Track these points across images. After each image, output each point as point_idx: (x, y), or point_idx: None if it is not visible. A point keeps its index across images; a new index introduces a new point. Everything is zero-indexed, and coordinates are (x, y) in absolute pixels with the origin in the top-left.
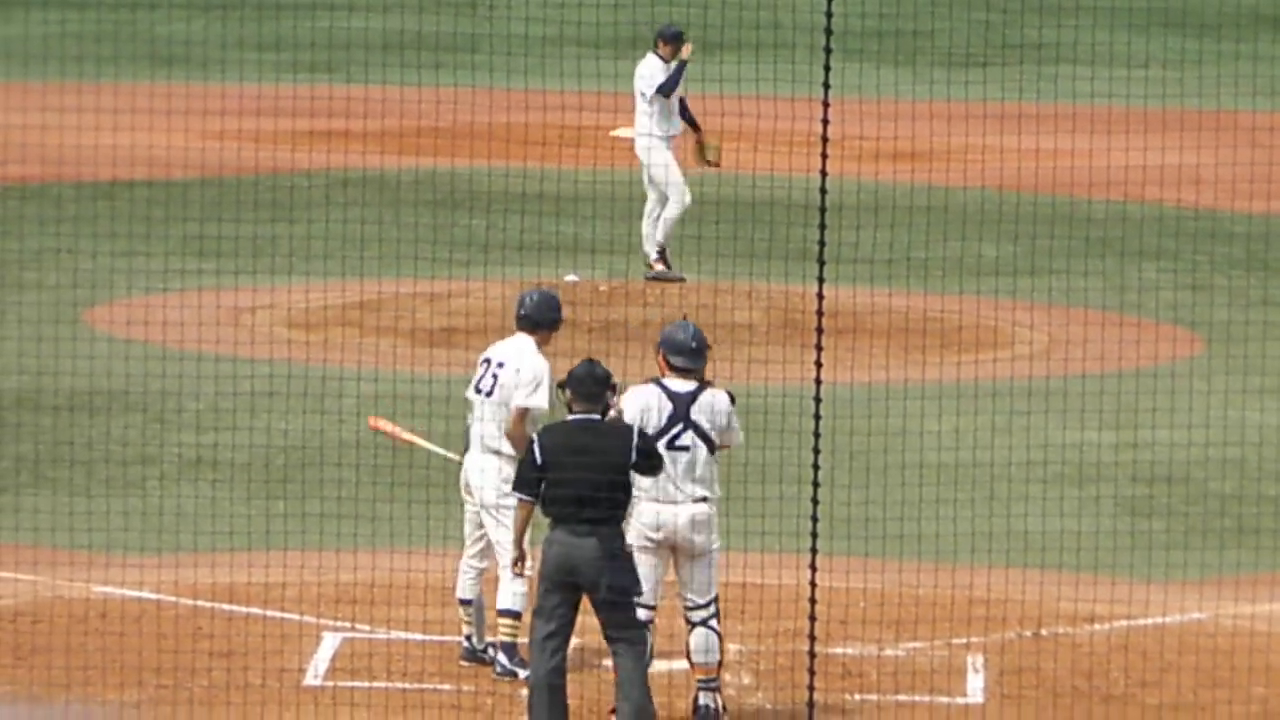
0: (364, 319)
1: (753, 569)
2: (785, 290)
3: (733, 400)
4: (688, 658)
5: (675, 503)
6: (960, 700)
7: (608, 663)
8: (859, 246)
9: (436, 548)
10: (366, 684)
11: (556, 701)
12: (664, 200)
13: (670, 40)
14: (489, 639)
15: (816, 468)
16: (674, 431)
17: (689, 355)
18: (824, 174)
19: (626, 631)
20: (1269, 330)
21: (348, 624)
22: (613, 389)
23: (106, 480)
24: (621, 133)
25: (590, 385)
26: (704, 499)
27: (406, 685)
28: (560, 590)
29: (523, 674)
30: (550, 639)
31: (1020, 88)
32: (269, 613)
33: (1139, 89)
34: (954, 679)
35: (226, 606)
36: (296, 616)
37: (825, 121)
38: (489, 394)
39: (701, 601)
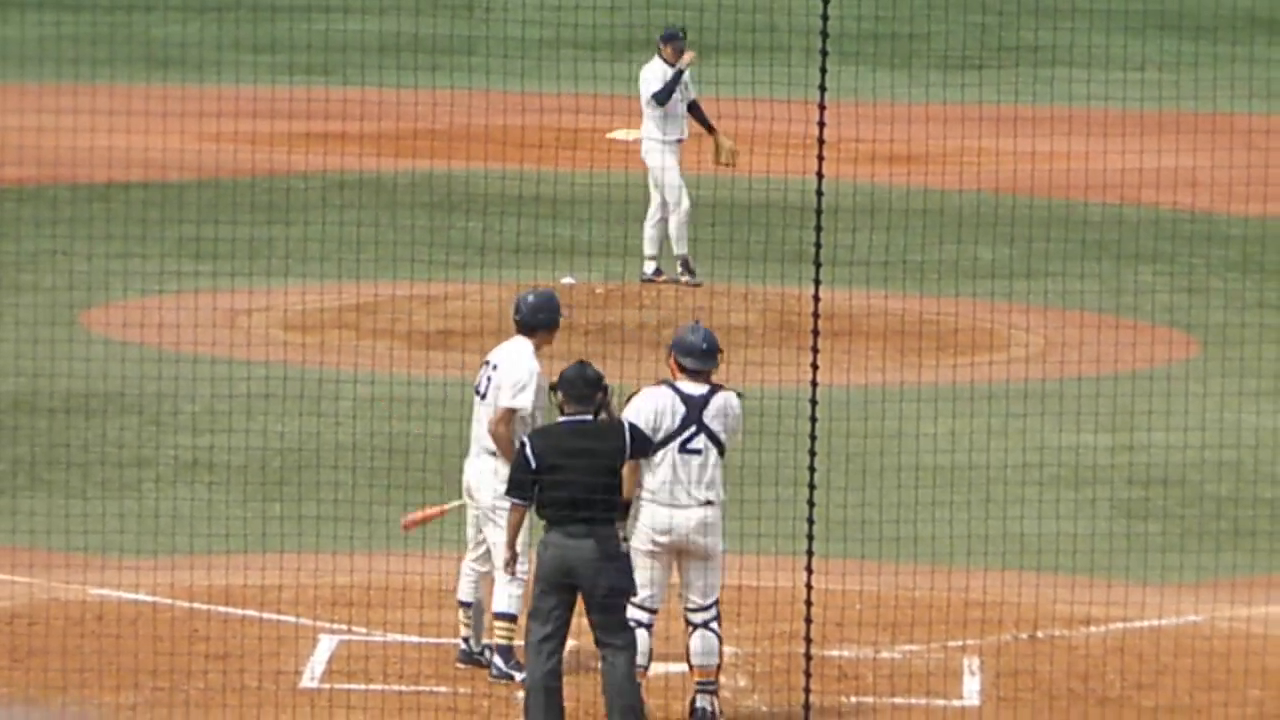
0: (360, 321)
1: (749, 571)
2: (781, 292)
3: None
4: (687, 660)
5: (684, 506)
6: (956, 703)
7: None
8: (855, 249)
9: (433, 550)
10: (363, 686)
11: (553, 704)
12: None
13: (669, 41)
14: (485, 641)
15: (812, 470)
16: (687, 434)
17: (700, 357)
18: (820, 176)
19: (618, 635)
20: (1265, 333)
21: (344, 626)
22: (604, 390)
23: (103, 482)
24: (619, 135)
25: (581, 387)
26: (711, 502)
27: (403, 688)
28: (557, 592)
29: (518, 677)
30: (546, 641)
31: (1016, 90)
32: (265, 615)
33: (1135, 91)
34: (950, 681)
35: (223, 609)
36: (293, 619)
37: (821, 124)
38: (483, 396)
39: (704, 603)
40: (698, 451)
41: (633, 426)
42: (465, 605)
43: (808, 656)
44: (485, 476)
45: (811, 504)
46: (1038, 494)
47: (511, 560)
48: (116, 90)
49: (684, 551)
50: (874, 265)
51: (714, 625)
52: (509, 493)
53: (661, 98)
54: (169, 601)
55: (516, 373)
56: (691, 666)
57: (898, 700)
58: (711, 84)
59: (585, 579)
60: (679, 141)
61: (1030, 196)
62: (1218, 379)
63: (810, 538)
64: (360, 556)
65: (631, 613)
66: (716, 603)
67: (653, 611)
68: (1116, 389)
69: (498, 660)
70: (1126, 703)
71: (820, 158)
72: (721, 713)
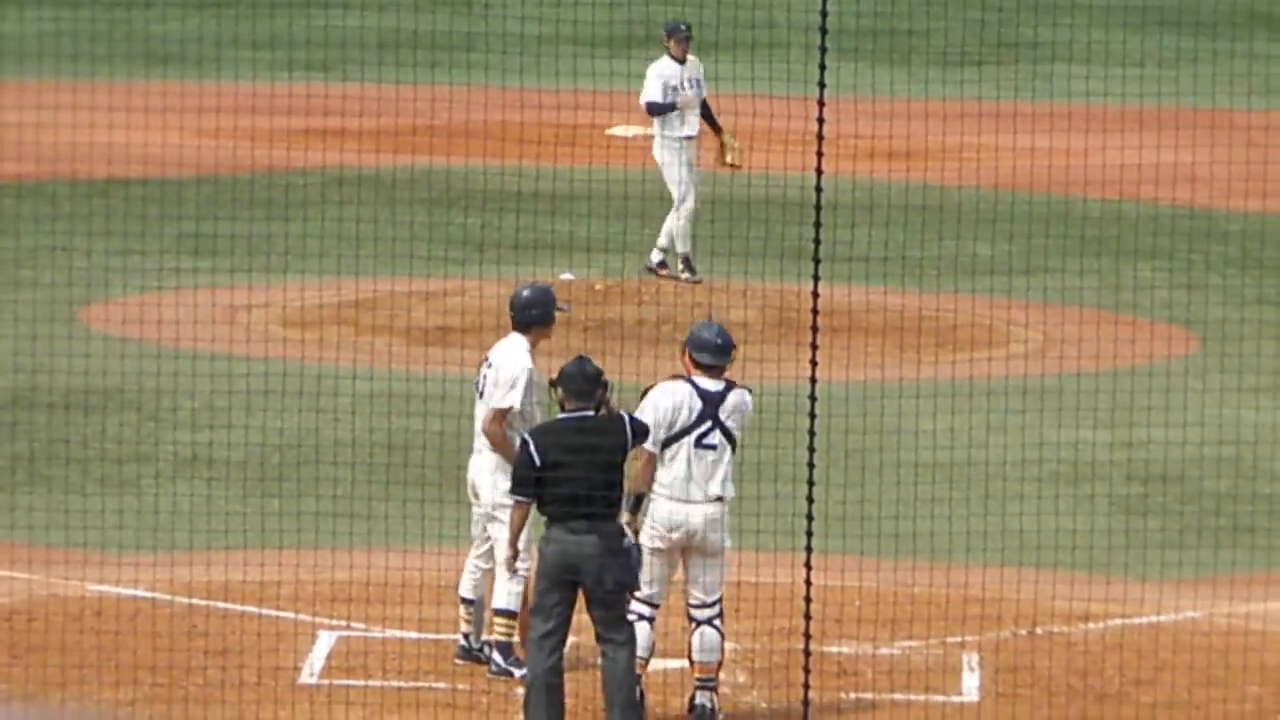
0: (359, 317)
1: (748, 567)
2: (780, 289)
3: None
4: (688, 656)
5: (695, 501)
6: (955, 699)
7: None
8: (854, 245)
9: (432, 546)
10: (362, 682)
11: (554, 700)
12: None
13: (670, 35)
14: (484, 638)
15: (812, 466)
16: (703, 429)
17: (715, 353)
18: (819, 173)
19: (619, 631)
20: (1263, 329)
21: (343, 622)
22: (604, 386)
23: (102, 478)
24: (618, 131)
25: (581, 383)
26: (720, 498)
27: (402, 683)
28: (559, 589)
29: (518, 673)
30: (548, 637)
31: (1015, 87)
32: (264, 611)
33: (1134, 88)
34: (949, 677)
35: (222, 605)
36: (292, 615)
37: (820, 120)
38: (482, 394)
39: (708, 600)
40: (713, 447)
41: (632, 418)
42: (467, 602)
43: (807, 653)
44: (483, 473)
45: (811, 500)
46: (1037, 490)
47: (513, 558)
48: (116, 86)
49: (690, 548)
50: (873, 261)
51: (716, 622)
52: (513, 490)
53: (654, 110)
54: (168, 597)
55: (507, 372)
56: (692, 663)
57: (897, 696)
58: (711, 80)
59: (589, 575)
60: (687, 139)
61: (1029, 193)
62: (1217, 375)
63: (809, 534)
64: (359, 552)
65: (634, 606)
66: (719, 600)
67: (655, 606)
68: (1115, 385)
69: (497, 656)
70: (1125, 699)
71: (819, 154)
72: (721, 709)
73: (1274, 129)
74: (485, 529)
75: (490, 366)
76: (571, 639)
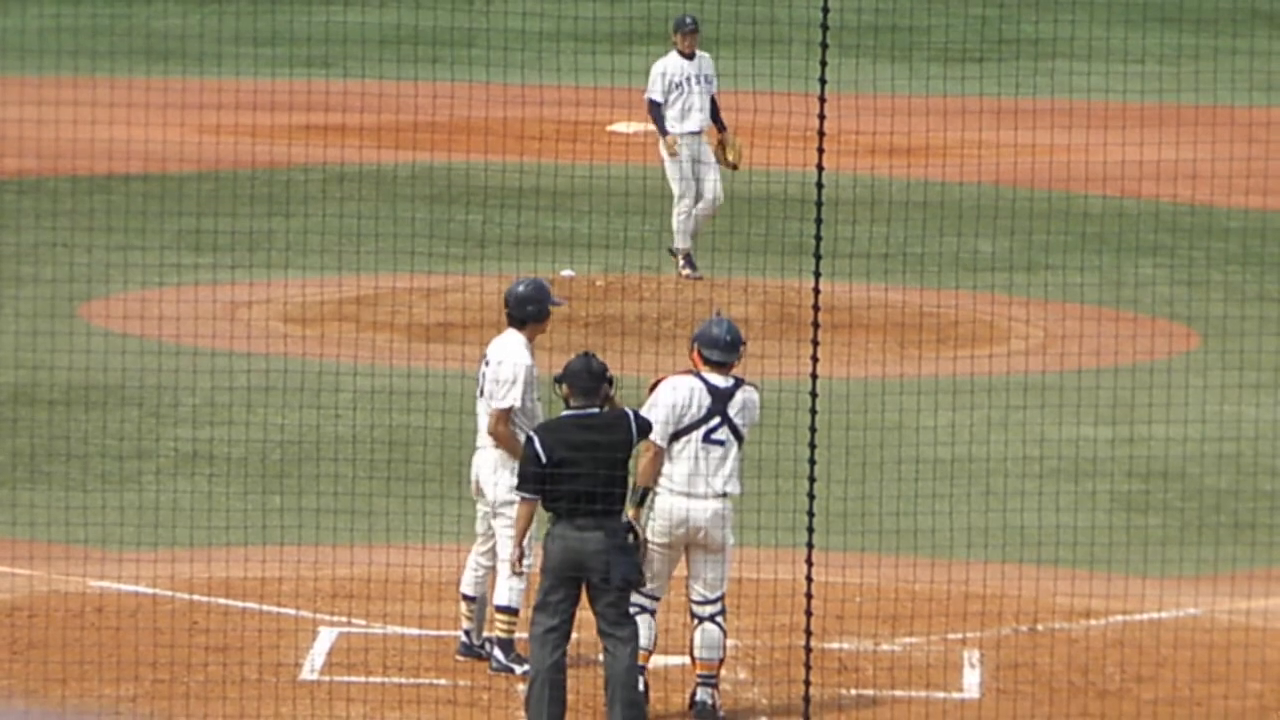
0: (360, 314)
1: (749, 564)
2: (782, 285)
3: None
4: (690, 652)
5: (702, 497)
6: (956, 695)
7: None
8: (855, 241)
9: (432, 542)
10: (363, 678)
11: (556, 696)
12: (697, 197)
13: (676, 29)
14: (485, 634)
15: (813, 462)
16: (711, 425)
17: (725, 349)
18: (820, 169)
19: (623, 628)
20: (1264, 325)
21: (344, 618)
22: (609, 382)
23: (103, 475)
24: (619, 127)
25: (586, 380)
26: (725, 494)
27: (403, 680)
28: (565, 585)
29: (519, 670)
30: (552, 633)
31: (1017, 83)
32: (265, 607)
33: (1135, 84)
34: (950, 674)
35: (223, 601)
36: (293, 611)
37: (822, 116)
38: (482, 392)
39: (712, 597)
40: (720, 443)
41: (636, 414)
42: (468, 599)
43: (808, 649)
44: (484, 469)
45: (811, 496)
46: (1037, 487)
47: (519, 558)
48: (116, 82)
49: (693, 544)
50: (874, 258)
51: (719, 619)
52: (519, 487)
53: (650, 110)
54: (169, 594)
55: (506, 370)
56: (694, 659)
57: (898, 693)
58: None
59: (596, 571)
60: (693, 134)
61: (1030, 189)
62: (1217, 372)
63: (810, 530)
64: (360, 549)
65: (635, 599)
66: (722, 597)
67: (655, 599)
68: (1116, 382)
69: (498, 653)
70: (1126, 695)
71: (820, 150)
72: (722, 705)
73: (1275, 125)
74: (489, 526)
75: (489, 364)
76: (573, 635)
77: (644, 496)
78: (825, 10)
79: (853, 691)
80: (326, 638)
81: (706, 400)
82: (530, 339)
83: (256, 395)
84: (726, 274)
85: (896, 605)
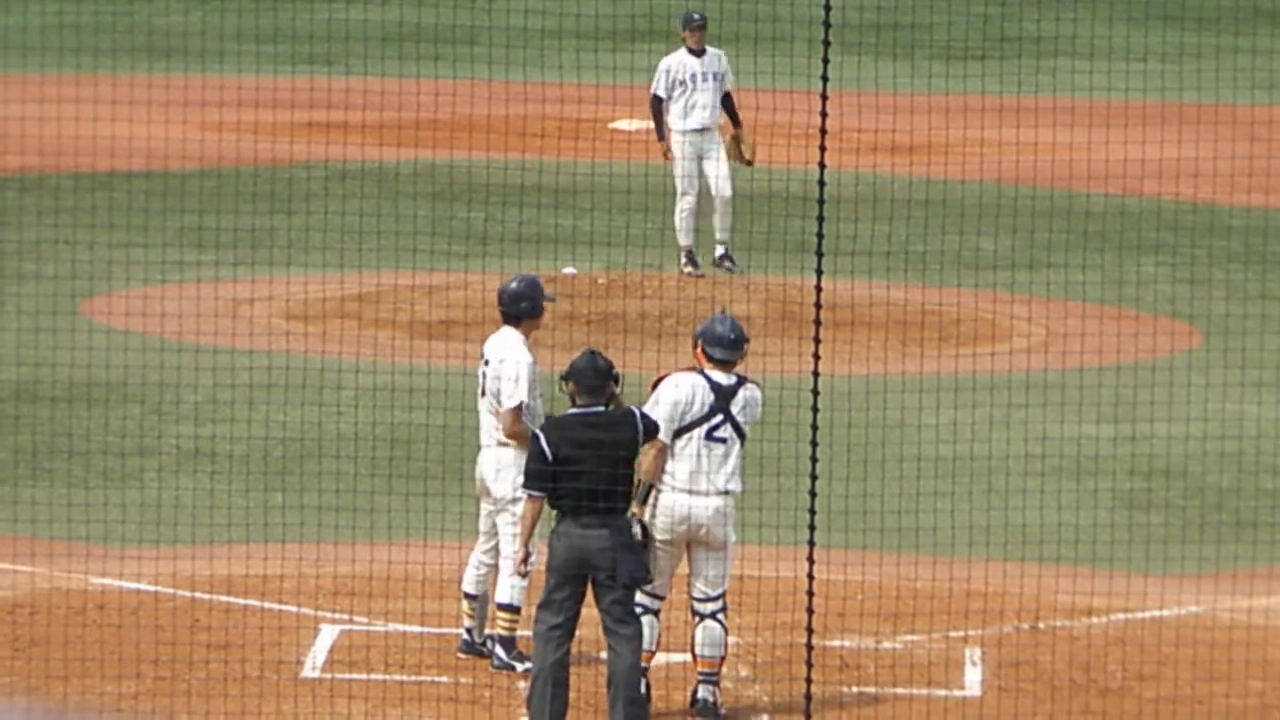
0: (362, 311)
1: (750, 561)
2: (784, 283)
3: None
4: (691, 650)
5: (704, 494)
6: (958, 693)
7: (605, 655)
8: (857, 239)
9: (434, 540)
10: (364, 676)
11: (559, 694)
12: (705, 194)
13: (684, 25)
14: (487, 631)
15: (814, 460)
16: (714, 422)
17: (729, 347)
18: (822, 166)
19: (627, 626)
20: (1266, 324)
21: (345, 616)
22: (615, 380)
23: (104, 472)
24: (621, 125)
25: (592, 378)
26: (728, 492)
27: (404, 677)
28: (570, 583)
29: (520, 667)
30: (555, 631)
31: (1019, 81)
32: (267, 605)
33: (1137, 82)
34: (951, 672)
35: (224, 598)
36: (294, 608)
37: (824, 114)
38: (483, 394)
39: (713, 594)
40: (723, 440)
41: (643, 414)
42: (470, 597)
43: (809, 647)
44: (487, 466)
45: (813, 494)
46: (1039, 485)
47: (525, 558)
48: (118, 80)
49: (695, 541)
50: (876, 256)
51: (720, 617)
52: (525, 485)
53: (652, 106)
54: (170, 591)
55: (509, 370)
56: (695, 657)
57: (899, 691)
58: None
59: (602, 569)
60: (696, 131)
61: (1032, 187)
62: (1219, 370)
63: (812, 528)
64: (362, 546)
65: (638, 598)
66: (723, 594)
67: (659, 599)
68: (1118, 380)
69: (500, 651)
70: (1128, 693)
71: (822, 148)
72: (723, 703)
73: (1277, 124)
74: (492, 525)
75: (489, 365)
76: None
77: (648, 493)
78: (827, 8)
79: (854, 689)
80: (328, 635)
81: (709, 398)
82: (527, 335)
83: (258, 392)
84: (728, 271)
85: (898, 603)
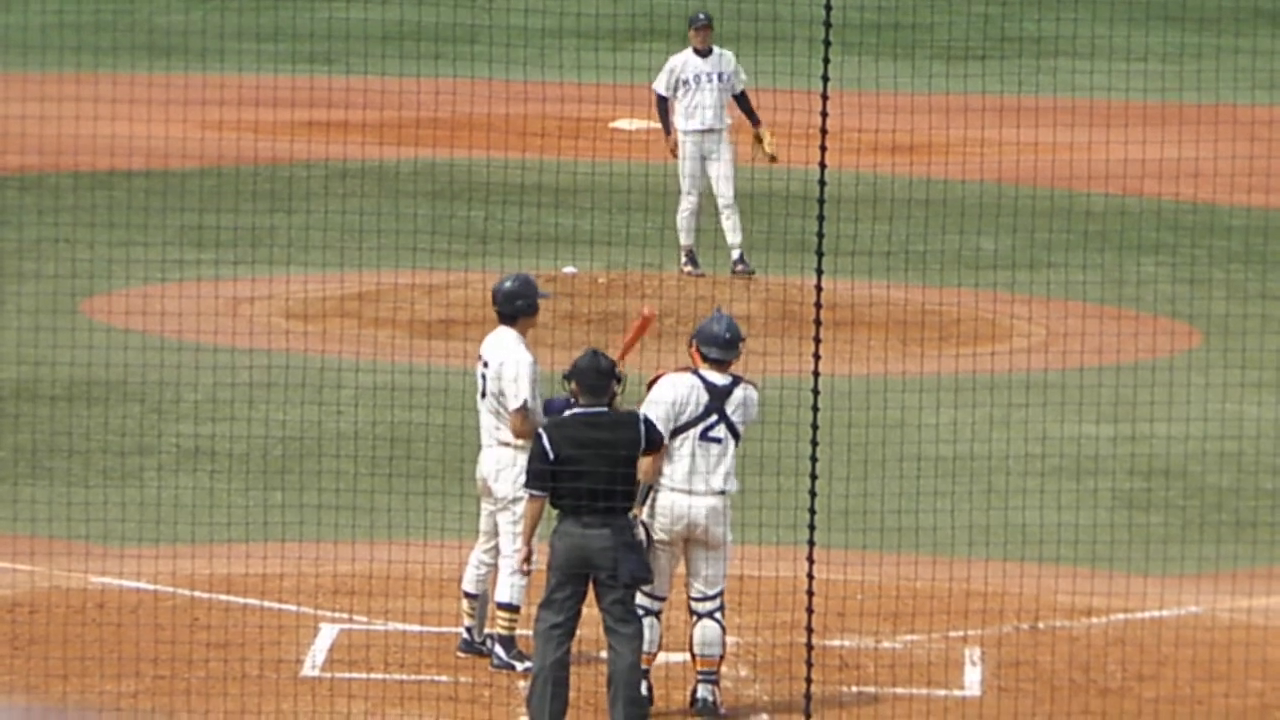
0: (362, 310)
1: (750, 561)
2: (784, 282)
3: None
4: (690, 649)
5: (698, 494)
6: (957, 693)
7: (605, 654)
8: (857, 239)
9: (434, 539)
10: (364, 675)
11: (559, 693)
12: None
13: (691, 24)
14: (487, 631)
15: (814, 460)
16: (709, 423)
17: (724, 347)
18: (823, 166)
19: (628, 625)
20: (1267, 324)
21: (345, 615)
22: (617, 380)
23: (104, 471)
24: (622, 124)
25: (594, 377)
26: (723, 492)
27: (404, 676)
28: (572, 582)
29: (520, 667)
30: (556, 630)
31: (1019, 81)
32: (266, 603)
33: (1137, 82)
34: (951, 672)
35: (224, 597)
36: (294, 607)
37: (824, 114)
38: (482, 395)
39: (710, 593)
40: (718, 440)
41: (648, 423)
42: (470, 596)
43: (809, 646)
44: (486, 465)
45: (813, 494)
46: (1039, 484)
47: (527, 556)
48: (118, 78)
49: (692, 540)
50: (876, 255)
51: (718, 616)
52: (527, 484)
53: (659, 104)
54: (170, 590)
55: (510, 370)
56: (694, 656)
57: (899, 690)
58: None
59: (603, 568)
60: (700, 131)
61: (1032, 187)
62: (1219, 370)
63: (812, 528)
64: (361, 545)
65: (639, 600)
66: (721, 593)
67: (659, 599)
68: (1118, 380)
69: (499, 650)
70: (1127, 694)
71: (823, 148)
72: (723, 702)
73: (1277, 124)
74: (493, 524)
75: (487, 366)
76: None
77: (646, 494)
78: (828, 8)
79: (854, 689)
80: (328, 634)
81: (704, 398)
82: (524, 334)
83: (258, 391)
84: (729, 271)
85: (898, 603)
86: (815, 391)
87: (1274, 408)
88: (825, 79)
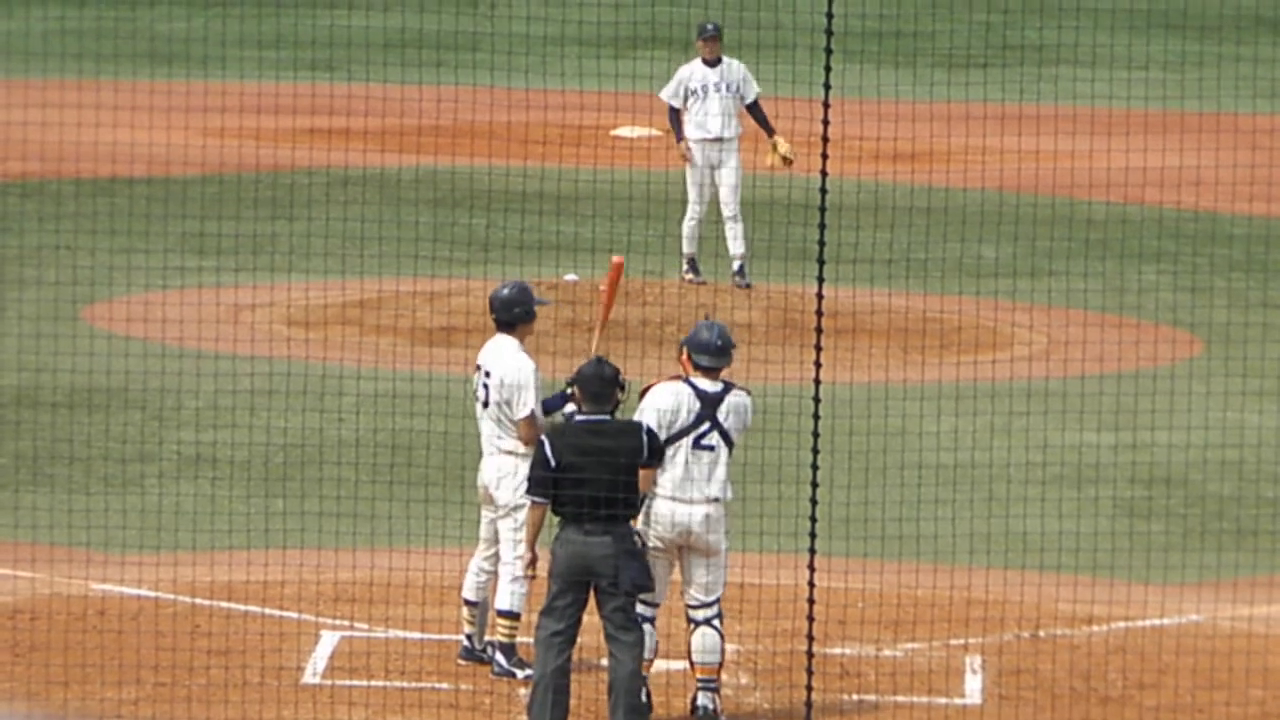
0: (364, 317)
1: (751, 569)
2: (785, 290)
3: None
4: (688, 657)
5: (692, 502)
6: (958, 701)
7: (606, 661)
8: (859, 247)
9: (435, 546)
10: (365, 682)
11: (559, 701)
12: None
13: (699, 35)
14: (487, 638)
15: (815, 468)
16: (701, 430)
17: (716, 354)
18: (824, 174)
19: (629, 633)
20: (1268, 332)
21: (346, 622)
22: (621, 387)
23: (105, 478)
24: (623, 132)
25: (598, 385)
26: (717, 499)
27: (405, 684)
28: (573, 589)
29: (520, 674)
30: (557, 637)
31: (1020, 89)
32: (267, 611)
33: (1139, 91)
34: (952, 680)
35: (225, 604)
36: (295, 615)
37: (826, 122)
38: (484, 404)
39: (707, 600)
40: (711, 448)
41: (651, 432)
42: (470, 604)
43: (810, 654)
44: (487, 473)
45: (814, 502)
46: (1040, 493)
47: (532, 562)
48: (120, 85)
49: (687, 548)
50: (877, 263)
51: (716, 623)
52: (529, 491)
53: (671, 115)
54: (171, 597)
55: (517, 378)
56: (693, 664)
57: (900, 698)
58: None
59: (604, 576)
60: (706, 141)
61: (1034, 195)
62: (1220, 378)
63: (813, 535)
64: (362, 552)
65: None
66: (719, 600)
67: (654, 606)
68: (1119, 388)
69: (500, 657)
70: (1128, 702)
71: (824, 155)
72: (723, 710)
73: (1278, 132)
74: (493, 532)
75: (489, 376)
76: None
77: (641, 502)
78: (830, 16)
79: (854, 697)
80: (328, 642)
81: (696, 406)
82: (521, 341)
83: (259, 398)
84: (730, 279)
85: (899, 610)
86: (816, 399)
87: (1275, 416)
88: (827, 87)
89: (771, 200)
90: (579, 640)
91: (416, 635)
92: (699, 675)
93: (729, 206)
